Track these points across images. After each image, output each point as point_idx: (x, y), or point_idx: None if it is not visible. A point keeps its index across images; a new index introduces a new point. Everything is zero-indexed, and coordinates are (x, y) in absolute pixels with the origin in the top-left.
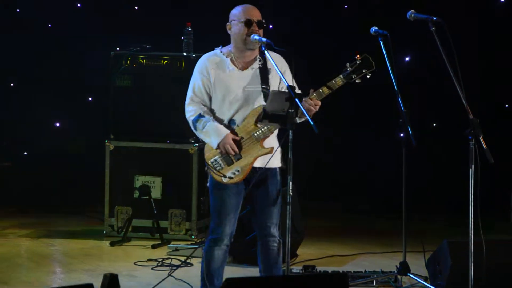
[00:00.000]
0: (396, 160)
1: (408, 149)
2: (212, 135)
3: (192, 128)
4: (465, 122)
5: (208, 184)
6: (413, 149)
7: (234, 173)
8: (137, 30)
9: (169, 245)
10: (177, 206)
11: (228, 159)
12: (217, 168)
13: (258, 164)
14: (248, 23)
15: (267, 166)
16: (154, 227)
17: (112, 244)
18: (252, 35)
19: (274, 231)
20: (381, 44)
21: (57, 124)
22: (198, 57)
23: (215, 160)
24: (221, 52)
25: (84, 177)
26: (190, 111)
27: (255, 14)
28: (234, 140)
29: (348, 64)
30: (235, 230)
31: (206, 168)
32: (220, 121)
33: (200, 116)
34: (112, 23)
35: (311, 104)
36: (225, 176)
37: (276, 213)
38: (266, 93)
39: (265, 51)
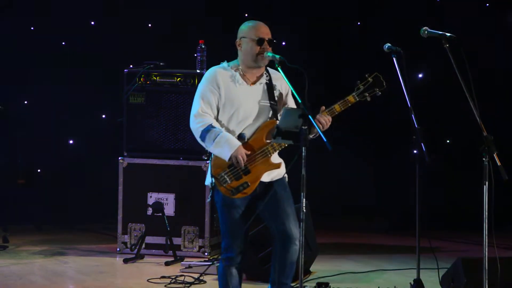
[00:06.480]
0: (410, 177)
1: (422, 166)
2: (224, 146)
3: (199, 139)
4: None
5: (215, 201)
6: (426, 166)
7: (243, 186)
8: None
9: (182, 262)
10: (190, 223)
11: (237, 173)
12: (224, 183)
13: (266, 178)
14: (260, 41)
15: (274, 179)
16: (167, 244)
17: (126, 261)
18: (266, 52)
19: (293, 230)
20: (394, 61)
21: (71, 142)
22: None
23: (222, 176)
24: (229, 66)
25: (97, 194)
26: (199, 122)
27: (266, 32)
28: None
29: (359, 82)
30: (243, 244)
31: (211, 182)
32: None
33: (211, 126)
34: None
35: (326, 120)
36: (232, 191)
37: (291, 212)
38: (274, 109)
39: (278, 68)
